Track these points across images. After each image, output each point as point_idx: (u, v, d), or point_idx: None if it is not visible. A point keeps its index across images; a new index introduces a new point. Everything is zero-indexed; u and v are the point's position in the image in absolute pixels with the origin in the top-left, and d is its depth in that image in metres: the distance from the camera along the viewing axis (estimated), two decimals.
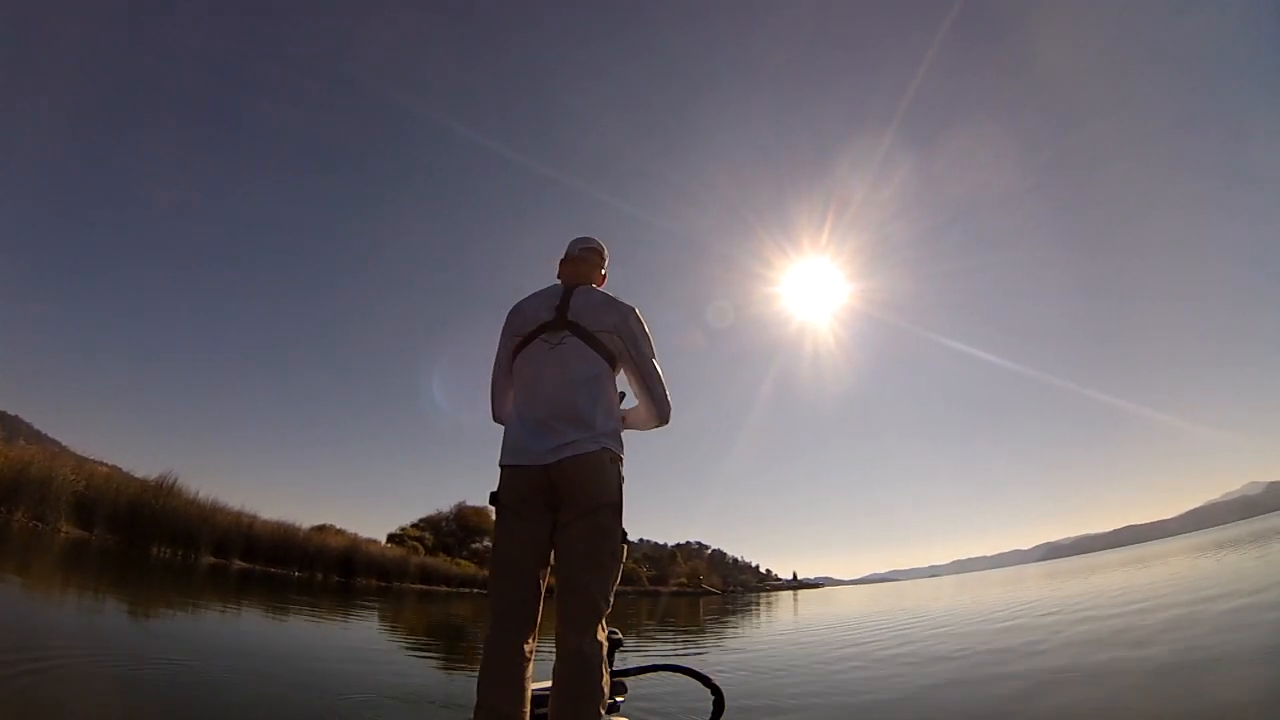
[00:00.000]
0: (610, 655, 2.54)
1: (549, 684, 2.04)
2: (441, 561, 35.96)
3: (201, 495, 19.12)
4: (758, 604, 31.32)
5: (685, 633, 12.18)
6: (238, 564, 19.71)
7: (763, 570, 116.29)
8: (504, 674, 1.93)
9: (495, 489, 2.17)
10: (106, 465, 17.70)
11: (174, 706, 3.58)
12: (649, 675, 2.97)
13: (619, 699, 2.65)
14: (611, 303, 2.35)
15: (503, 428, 2.30)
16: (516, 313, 2.39)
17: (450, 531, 45.24)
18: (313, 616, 10.54)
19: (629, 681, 2.78)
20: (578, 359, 2.21)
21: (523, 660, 1.95)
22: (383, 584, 26.96)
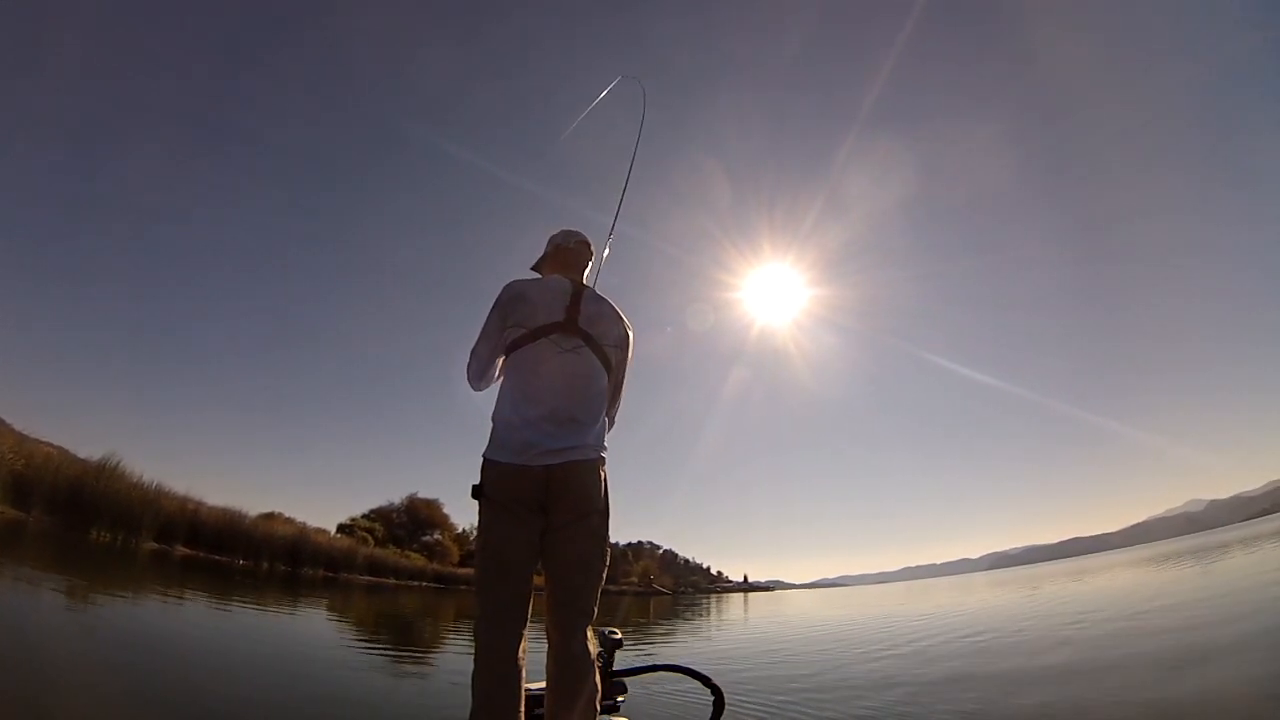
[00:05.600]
0: (610, 655, 2.63)
1: (543, 684, 2.08)
2: (391, 554, 35.32)
3: (146, 478, 18.47)
4: (709, 605, 31.65)
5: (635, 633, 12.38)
6: (180, 550, 19.08)
7: (714, 572, 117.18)
8: (502, 674, 1.93)
9: (478, 482, 2.14)
10: (52, 446, 16.96)
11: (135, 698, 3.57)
12: (649, 675, 2.95)
13: (619, 699, 2.64)
14: (619, 318, 2.44)
15: (490, 424, 2.26)
16: (521, 300, 2.32)
17: (401, 524, 44.37)
18: (258, 607, 10.40)
19: (629, 681, 2.76)
20: (589, 370, 2.28)
21: (518, 660, 1.97)
22: (330, 575, 26.40)
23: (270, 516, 27.24)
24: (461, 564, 41.97)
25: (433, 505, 46.39)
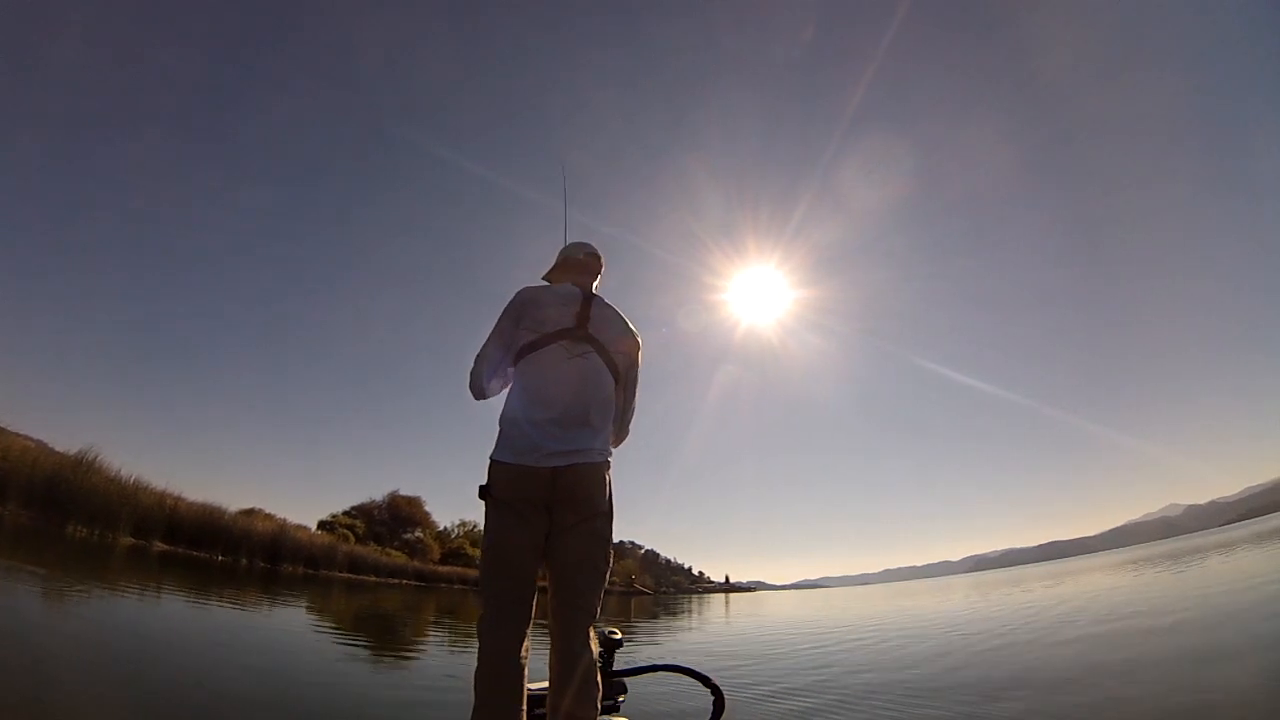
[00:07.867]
0: (610, 655, 2.66)
1: (545, 684, 2.10)
2: (371, 551, 35.07)
3: (124, 473, 18.22)
4: (690, 606, 31.71)
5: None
6: (159, 546, 18.84)
7: (695, 572, 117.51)
8: (504, 674, 1.94)
9: (485, 483, 2.17)
10: (29, 439, 16.67)
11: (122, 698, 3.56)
12: (649, 675, 2.94)
13: (619, 699, 2.65)
14: (627, 326, 2.50)
15: (498, 423, 2.29)
16: (533, 304, 2.38)
17: (382, 521, 44.08)
18: (240, 604, 10.33)
19: (629, 681, 2.77)
20: (597, 375, 2.33)
21: (521, 660, 1.98)
22: (310, 572, 26.20)
23: (250, 513, 27.00)
24: (443, 562, 41.82)
25: (414, 503, 46.16)
